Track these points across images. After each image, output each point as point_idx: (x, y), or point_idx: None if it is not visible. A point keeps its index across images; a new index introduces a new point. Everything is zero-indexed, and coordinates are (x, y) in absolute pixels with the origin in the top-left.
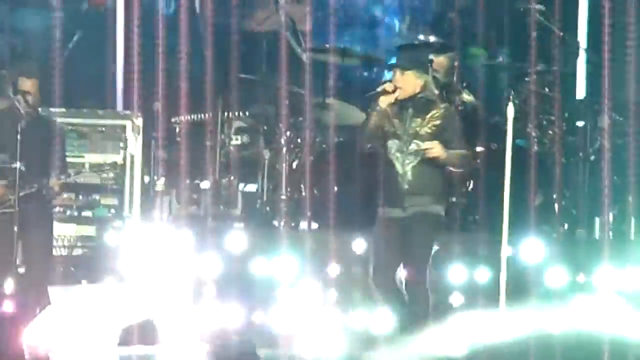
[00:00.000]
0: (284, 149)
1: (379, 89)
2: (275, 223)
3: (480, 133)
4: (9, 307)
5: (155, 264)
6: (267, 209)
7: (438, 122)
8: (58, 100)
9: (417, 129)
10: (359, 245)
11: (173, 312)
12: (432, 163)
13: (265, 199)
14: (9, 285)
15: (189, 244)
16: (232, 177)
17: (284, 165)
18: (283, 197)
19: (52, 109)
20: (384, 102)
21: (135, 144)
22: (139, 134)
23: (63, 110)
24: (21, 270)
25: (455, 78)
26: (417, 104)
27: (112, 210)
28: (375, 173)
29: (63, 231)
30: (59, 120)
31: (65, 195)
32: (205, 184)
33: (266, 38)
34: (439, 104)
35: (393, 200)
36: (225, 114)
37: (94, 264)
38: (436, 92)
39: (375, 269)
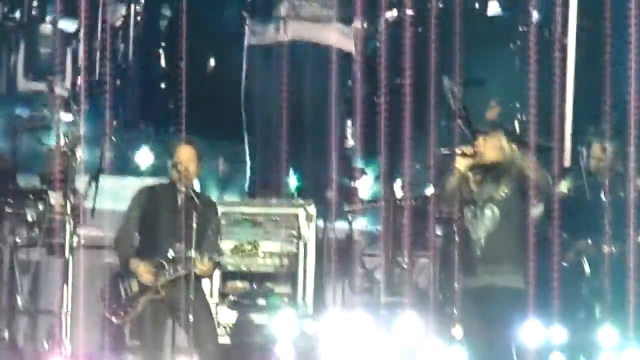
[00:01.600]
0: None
1: (457, 150)
2: (448, 310)
3: None
4: None
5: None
6: (440, 297)
7: (511, 184)
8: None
9: (492, 193)
10: None
11: None
12: (508, 228)
13: (437, 286)
14: None
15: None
16: (404, 265)
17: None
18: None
19: (226, 199)
20: (461, 164)
21: (308, 232)
22: (311, 222)
23: (236, 200)
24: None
25: (631, 165)
26: (496, 171)
27: (285, 299)
28: None
29: (238, 319)
30: (233, 209)
31: (239, 283)
32: (378, 273)
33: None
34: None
35: (467, 269)
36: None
37: (270, 352)
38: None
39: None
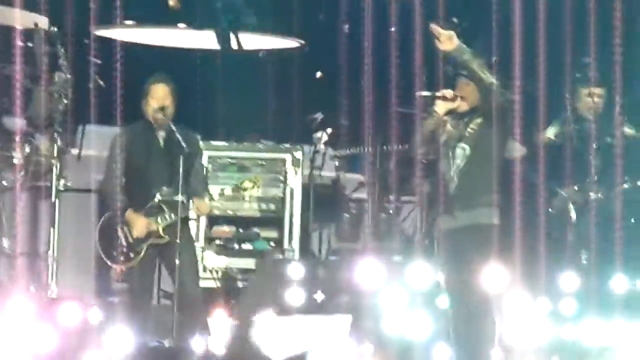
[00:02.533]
0: None
1: (438, 93)
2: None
3: None
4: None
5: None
6: (426, 242)
7: (480, 119)
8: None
9: (463, 131)
10: None
11: (331, 347)
12: (479, 164)
13: (423, 231)
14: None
15: (347, 278)
16: (390, 211)
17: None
18: None
19: (213, 142)
20: (441, 108)
21: (295, 177)
22: (298, 167)
23: (224, 143)
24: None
25: (617, 111)
26: (471, 112)
27: (272, 243)
28: None
29: (223, 263)
30: (220, 153)
31: (226, 228)
32: (364, 218)
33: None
34: None
35: (445, 210)
36: (384, 147)
37: (254, 296)
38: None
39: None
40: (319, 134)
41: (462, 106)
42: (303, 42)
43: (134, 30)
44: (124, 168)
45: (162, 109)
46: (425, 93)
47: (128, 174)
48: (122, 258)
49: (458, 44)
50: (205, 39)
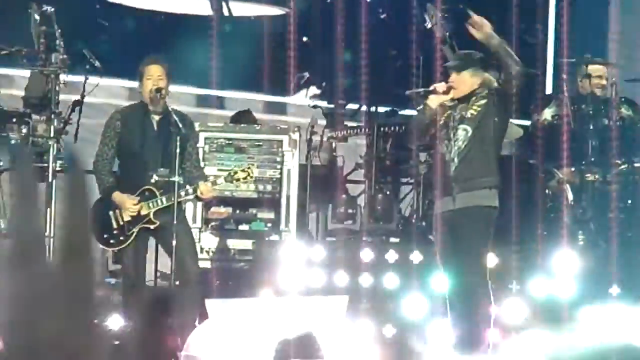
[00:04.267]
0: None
1: (430, 88)
2: (432, 238)
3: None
4: (165, 320)
5: (311, 278)
6: (423, 223)
7: (483, 101)
8: None
9: (463, 113)
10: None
11: (332, 326)
12: (481, 145)
13: (420, 214)
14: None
15: (342, 259)
16: (387, 192)
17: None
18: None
19: (209, 124)
20: (434, 101)
21: (291, 158)
22: (295, 148)
23: (220, 125)
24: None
25: (614, 92)
26: (471, 101)
27: (269, 225)
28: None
29: (220, 244)
30: (216, 134)
31: (222, 209)
32: (361, 199)
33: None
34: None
35: (443, 192)
36: (381, 128)
37: (251, 277)
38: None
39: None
40: (305, 91)
41: (456, 95)
42: (289, 9)
43: None
44: (118, 149)
45: (157, 90)
46: (417, 90)
47: (122, 155)
48: (112, 241)
49: (490, 32)
50: (199, 6)
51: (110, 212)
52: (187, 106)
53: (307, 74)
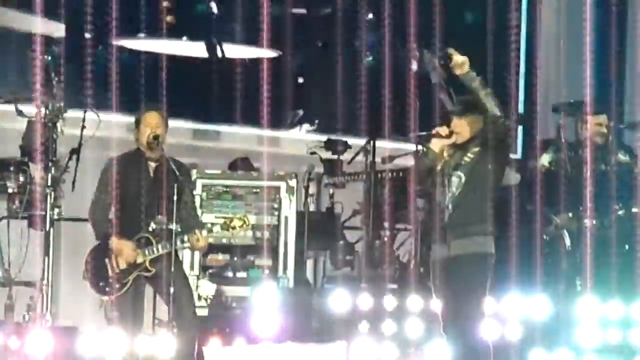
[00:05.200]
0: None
1: (433, 132)
2: (430, 285)
3: (636, 195)
4: None
5: (307, 324)
6: (422, 270)
7: (477, 148)
8: None
9: (459, 160)
10: None
11: None
12: (474, 193)
13: (419, 260)
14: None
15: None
16: (385, 238)
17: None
18: None
19: (207, 171)
20: (436, 145)
21: (289, 205)
22: (293, 194)
23: (218, 172)
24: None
25: (611, 138)
26: (466, 142)
27: (267, 271)
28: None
29: (218, 292)
30: (214, 181)
31: (220, 256)
32: (359, 246)
33: None
34: None
35: (439, 239)
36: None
37: (249, 324)
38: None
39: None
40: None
41: (458, 139)
42: (280, 52)
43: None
44: (114, 196)
45: (155, 137)
46: (420, 133)
47: (119, 202)
48: (108, 289)
49: (469, 71)
50: (196, 49)
51: (106, 260)
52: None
53: (300, 111)
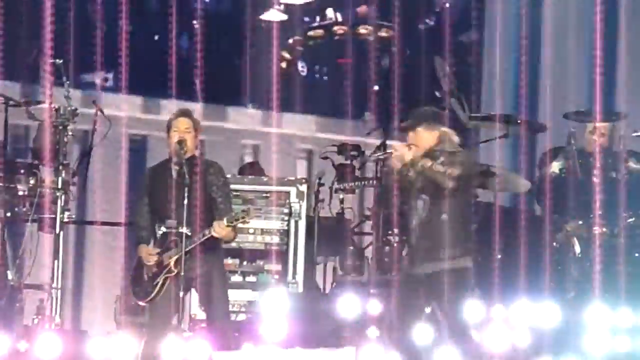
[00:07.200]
0: None
1: (388, 151)
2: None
3: None
4: None
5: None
6: None
7: (442, 169)
8: None
9: (422, 182)
10: None
11: None
12: (439, 216)
13: None
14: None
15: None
16: (395, 244)
17: None
18: None
19: None
20: (396, 162)
21: (299, 210)
22: (303, 199)
23: (228, 176)
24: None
25: (622, 146)
26: (434, 157)
27: (276, 276)
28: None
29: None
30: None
31: (230, 261)
32: (368, 251)
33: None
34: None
35: (408, 259)
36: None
37: (258, 329)
38: (456, 140)
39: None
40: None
41: (417, 151)
42: None
43: None
44: (149, 204)
45: (180, 142)
46: (378, 154)
47: (152, 209)
48: (141, 294)
49: (410, 160)
50: None
51: (145, 266)
52: None
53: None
